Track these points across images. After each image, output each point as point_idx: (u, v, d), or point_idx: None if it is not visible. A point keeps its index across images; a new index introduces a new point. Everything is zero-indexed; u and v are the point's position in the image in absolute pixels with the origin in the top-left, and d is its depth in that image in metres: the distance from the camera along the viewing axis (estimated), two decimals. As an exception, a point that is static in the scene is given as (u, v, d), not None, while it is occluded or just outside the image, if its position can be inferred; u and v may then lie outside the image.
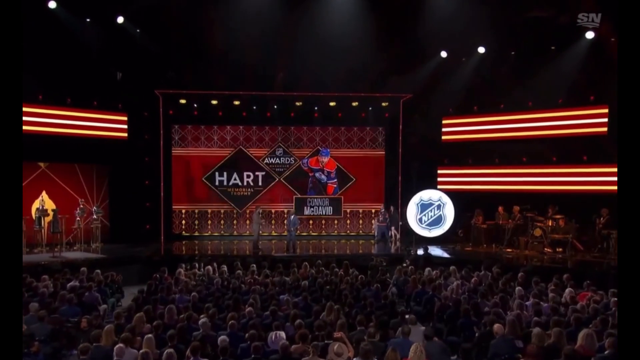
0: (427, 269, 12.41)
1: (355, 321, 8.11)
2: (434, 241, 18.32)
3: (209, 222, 20.36)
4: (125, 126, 18.72)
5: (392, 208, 18.91)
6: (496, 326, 7.49)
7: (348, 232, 20.66)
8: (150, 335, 7.51)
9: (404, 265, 13.42)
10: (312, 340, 7.36)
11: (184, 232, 20.24)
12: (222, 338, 7.50)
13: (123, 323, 8.42)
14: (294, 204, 20.13)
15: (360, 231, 20.58)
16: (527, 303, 9.12)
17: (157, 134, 19.09)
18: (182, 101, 19.23)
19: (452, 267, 12.17)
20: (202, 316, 8.67)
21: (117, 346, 7.13)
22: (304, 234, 20.14)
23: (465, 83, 18.11)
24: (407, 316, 8.36)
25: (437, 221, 18.45)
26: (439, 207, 18.45)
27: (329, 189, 20.56)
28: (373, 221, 19.11)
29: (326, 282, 11.41)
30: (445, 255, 16.77)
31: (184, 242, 19.57)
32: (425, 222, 18.56)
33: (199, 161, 20.15)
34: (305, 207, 20.42)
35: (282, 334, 7.85)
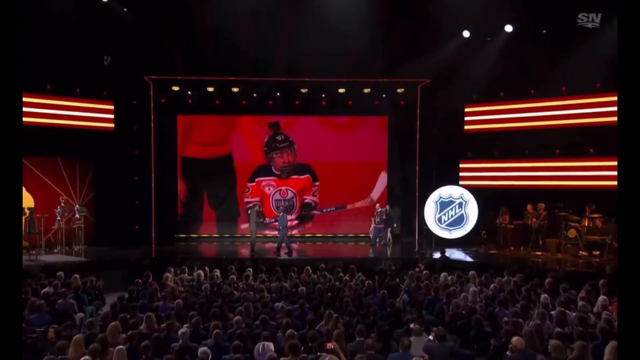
0: (443, 274, 12.25)
1: (355, 331, 7.93)
2: (455, 243, 18.18)
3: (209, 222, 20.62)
4: (112, 116, 18.72)
5: (387, 207, 18.88)
6: (515, 339, 7.23)
7: (357, 233, 20.62)
8: (122, 346, 7.40)
9: (417, 270, 13.22)
10: (304, 352, 7.20)
11: (179, 233, 20.47)
12: (203, 350, 7.38)
13: (97, 333, 8.31)
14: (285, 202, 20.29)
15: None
16: (552, 312, 8.88)
17: (147, 125, 18.99)
18: (175, 88, 19.18)
19: (471, 272, 12.02)
20: (185, 325, 8.59)
21: (83, 358, 7.02)
22: (308, 235, 20.27)
23: (491, 66, 17.79)
24: (411, 326, 8.18)
25: (459, 221, 18.29)
26: (460, 205, 18.29)
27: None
28: (372, 222, 19.01)
29: (328, 289, 11.35)
30: (467, 259, 16.67)
31: (181, 244, 19.77)
32: (445, 222, 18.40)
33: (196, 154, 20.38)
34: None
35: (270, 345, 7.71)
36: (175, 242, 20.05)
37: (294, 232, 20.12)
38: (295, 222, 20.39)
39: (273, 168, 20.39)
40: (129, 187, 19.26)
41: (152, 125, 19.03)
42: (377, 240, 18.52)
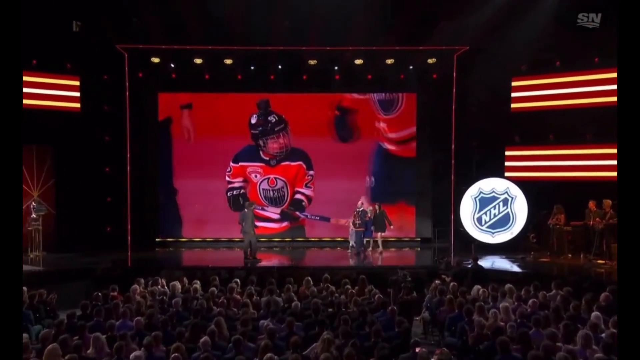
0: (476, 287, 12.04)
1: (344, 355, 7.71)
2: (498, 249, 18.02)
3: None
4: (77, 94, 18.64)
5: (377, 206, 18.62)
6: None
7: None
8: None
9: (437, 282, 12.98)
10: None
11: (161, 236, 20.52)
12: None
13: (31, 358, 8.23)
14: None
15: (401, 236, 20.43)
16: (602, 336, 8.55)
17: (121, 105, 18.90)
18: (155, 60, 19.08)
19: (508, 285, 11.76)
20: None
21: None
22: (313, 238, 20.38)
23: (544, 30, 17.43)
24: (417, 350, 7.94)
25: (503, 222, 18.17)
26: (505, 202, 18.13)
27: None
28: (350, 224, 18.71)
29: (328, 304, 11.27)
30: (514, 268, 16.40)
31: (165, 249, 19.93)
32: (486, 223, 18.31)
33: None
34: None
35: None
36: (157, 247, 20.09)
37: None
38: (277, 216, 20.28)
39: (262, 153, 20.27)
40: (99, 180, 19.21)
41: (128, 105, 18.92)
42: (361, 247, 18.20)
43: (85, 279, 15.63)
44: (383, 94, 20.41)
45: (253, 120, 20.19)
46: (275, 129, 20.27)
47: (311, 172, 20.24)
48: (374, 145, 20.47)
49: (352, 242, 18.39)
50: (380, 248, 18.61)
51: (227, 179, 20.25)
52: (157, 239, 20.39)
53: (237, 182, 20.24)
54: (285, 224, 20.39)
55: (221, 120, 20.24)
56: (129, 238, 18.96)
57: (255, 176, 20.08)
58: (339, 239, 20.10)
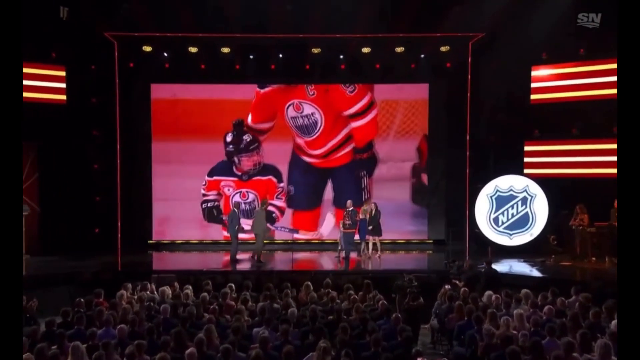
0: (488, 292, 11.91)
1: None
2: (517, 252, 17.93)
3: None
4: (63, 85, 18.60)
5: (373, 205, 18.32)
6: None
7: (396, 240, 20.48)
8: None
9: (448, 287, 12.93)
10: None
11: (154, 238, 20.53)
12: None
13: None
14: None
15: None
16: (621, 345, 8.42)
17: (110, 97, 18.97)
18: (147, 48, 19.09)
19: (524, 291, 11.67)
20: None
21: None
22: (316, 241, 20.43)
23: (566, 14, 17.41)
24: (419, 360, 7.86)
25: (522, 222, 18.07)
26: (524, 201, 18.03)
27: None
28: (339, 225, 18.46)
29: (328, 311, 11.21)
30: (534, 272, 16.34)
31: (158, 252, 19.90)
32: (503, 223, 18.20)
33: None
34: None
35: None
36: (149, 250, 20.06)
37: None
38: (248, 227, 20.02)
39: (235, 169, 20.61)
40: (86, 178, 19.21)
41: (117, 97, 19.02)
42: (350, 250, 17.85)
43: (71, 284, 15.57)
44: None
45: (228, 139, 20.50)
46: (250, 148, 20.54)
47: (281, 185, 20.60)
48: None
49: (340, 245, 18.15)
50: (379, 252, 18.23)
51: (202, 191, 20.58)
52: (149, 241, 20.37)
53: (212, 195, 20.61)
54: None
55: (208, 117, 20.49)
56: (119, 240, 19.05)
57: (228, 190, 20.50)
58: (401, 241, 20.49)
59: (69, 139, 18.74)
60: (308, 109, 20.33)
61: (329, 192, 20.52)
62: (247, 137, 20.50)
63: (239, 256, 17.82)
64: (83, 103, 19.01)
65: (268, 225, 19.16)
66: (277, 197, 20.62)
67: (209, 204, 20.57)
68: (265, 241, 18.23)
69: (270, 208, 20.10)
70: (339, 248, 18.10)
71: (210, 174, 20.54)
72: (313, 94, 20.30)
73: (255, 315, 11.35)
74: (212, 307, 11.65)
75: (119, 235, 19.07)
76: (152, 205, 20.44)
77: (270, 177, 20.67)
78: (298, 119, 20.40)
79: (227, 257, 18.25)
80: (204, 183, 20.50)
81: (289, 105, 20.36)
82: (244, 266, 17.36)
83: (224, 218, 20.00)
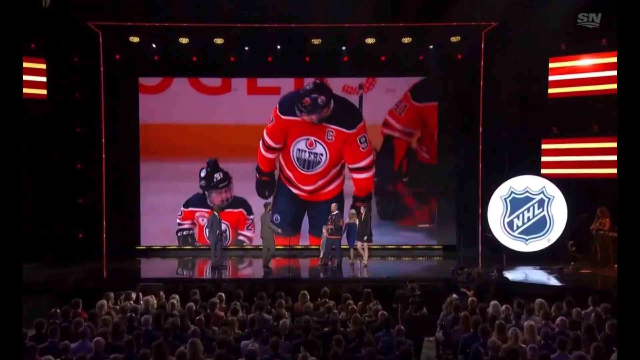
0: (493, 302, 11.83)
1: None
2: (533, 259, 17.88)
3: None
4: (43, 78, 18.44)
5: (363, 209, 18.11)
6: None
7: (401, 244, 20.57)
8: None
9: (454, 296, 12.85)
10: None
11: (143, 243, 20.50)
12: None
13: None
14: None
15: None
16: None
17: (94, 91, 18.97)
18: (134, 39, 19.00)
19: (538, 301, 11.55)
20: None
21: None
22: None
23: (586, 1, 17.18)
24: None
25: (538, 227, 18.02)
26: (541, 203, 17.98)
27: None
28: (323, 230, 18.26)
29: (324, 322, 11.16)
30: (552, 281, 16.24)
31: (147, 259, 19.94)
32: (518, 228, 18.13)
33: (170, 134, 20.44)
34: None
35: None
36: (137, 256, 20.05)
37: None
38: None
39: (208, 201, 20.92)
40: (69, 179, 19.12)
41: (103, 91, 19.02)
42: (330, 256, 17.82)
43: (52, 294, 15.43)
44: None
45: (202, 174, 20.85)
46: (219, 186, 20.91)
47: (251, 217, 20.96)
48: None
49: (322, 251, 18.03)
50: (365, 260, 17.89)
51: (178, 220, 20.89)
52: (137, 247, 20.36)
53: (187, 224, 20.97)
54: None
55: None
56: (104, 245, 19.07)
57: (202, 219, 20.74)
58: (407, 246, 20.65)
59: (50, 137, 18.64)
60: (320, 149, 20.51)
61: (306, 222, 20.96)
62: (218, 175, 20.90)
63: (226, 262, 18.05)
64: (65, 98, 18.90)
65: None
66: (247, 229, 21.12)
67: (184, 232, 20.99)
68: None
69: (240, 237, 20.96)
70: (320, 255, 18.00)
71: (186, 205, 20.93)
72: (331, 139, 20.41)
73: (244, 326, 11.27)
74: (198, 318, 11.55)
75: (105, 240, 19.09)
76: (140, 208, 20.39)
77: (240, 209, 21.17)
78: (305, 153, 20.60)
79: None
80: (179, 213, 20.93)
81: (304, 139, 20.55)
82: (239, 273, 17.48)
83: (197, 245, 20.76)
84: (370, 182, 20.59)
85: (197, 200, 20.90)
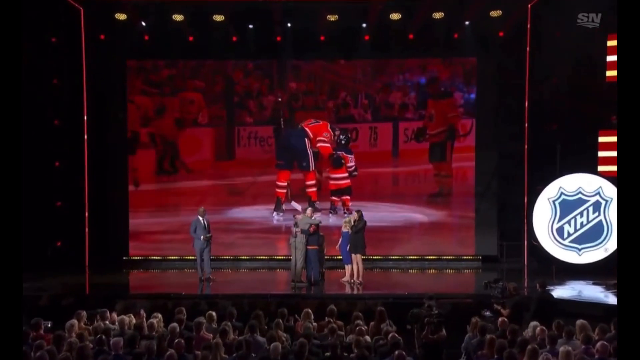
0: (533, 323, 11.65)
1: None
2: (587, 272, 17.65)
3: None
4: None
5: (355, 214, 17.58)
6: None
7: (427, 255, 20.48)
8: None
9: (487, 313, 12.87)
10: None
11: (132, 254, 20.50)
12: None
13: None
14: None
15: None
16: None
17: (76, 76, 19.11)
18: (121, 17, 18.97)
19: (579, 322, 11.33)
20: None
21: None
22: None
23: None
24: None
25: (594, 234, 17.89)
26: (596, 207, 17.88)
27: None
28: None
29: (324, 346, 11.11)
30: (609, 299, 15.86)
31: (136, 272, 20.03)
32: (569, 235, 18.00)
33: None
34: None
35: None
36: (124, 268, 20.08)
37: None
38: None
39: None
40: (46, 178, 19.19)
41: (85, 76, 19.16)
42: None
43: (23, 312, 15.40)
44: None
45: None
46: None
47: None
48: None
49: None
50: (361, 277, 17.31)
51: None
52: (124, 257, 20.38)
53: None
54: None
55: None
56: (86, 256, 19.25)
57: None
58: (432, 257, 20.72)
59: (24, 130, 18.40)
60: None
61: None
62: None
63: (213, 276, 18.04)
64: (42, 85, 19.01)
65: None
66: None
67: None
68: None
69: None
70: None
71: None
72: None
73: (232, 350, 11.17)
74: (177, 341, 11.46)
75: (87, 249, 19.27)
76: (128, 213, 20.48)
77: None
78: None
79: (223, 279, 18.53)
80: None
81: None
82: (231, 289, 17.34)
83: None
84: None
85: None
